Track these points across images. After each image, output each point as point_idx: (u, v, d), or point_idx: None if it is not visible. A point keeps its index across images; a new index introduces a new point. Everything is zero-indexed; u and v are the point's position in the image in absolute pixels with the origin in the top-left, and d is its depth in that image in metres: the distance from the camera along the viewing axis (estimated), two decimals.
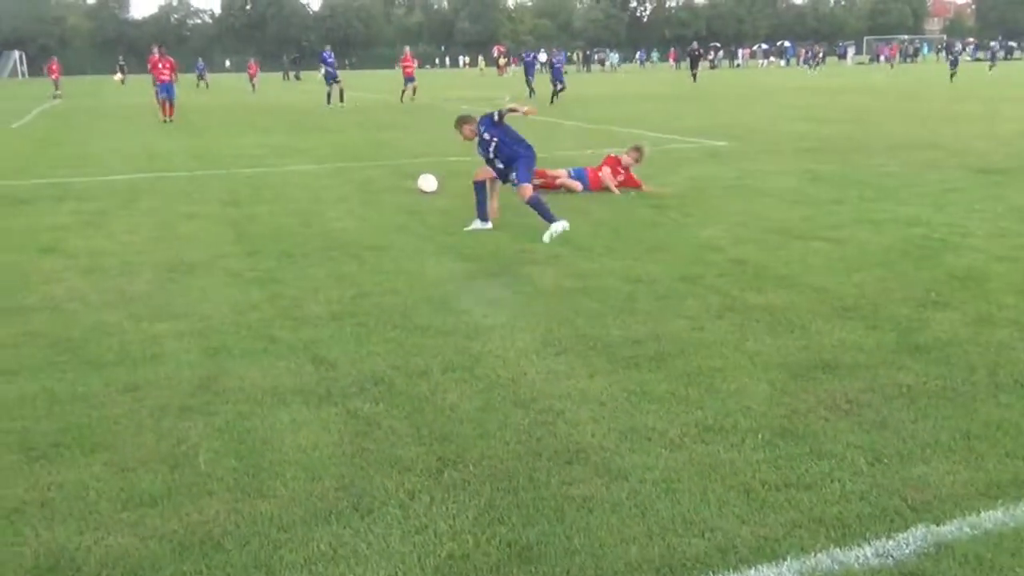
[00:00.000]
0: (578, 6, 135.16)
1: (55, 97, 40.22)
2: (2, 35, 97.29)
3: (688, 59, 51.76)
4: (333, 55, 31.95)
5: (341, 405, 4.43)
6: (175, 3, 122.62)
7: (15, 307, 6.26)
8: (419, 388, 4.65)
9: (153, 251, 8.07)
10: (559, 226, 7.87)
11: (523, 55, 40.93)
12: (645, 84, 47.89)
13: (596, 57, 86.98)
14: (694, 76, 46.47)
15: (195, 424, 4.22)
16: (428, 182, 11.16)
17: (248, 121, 24.97)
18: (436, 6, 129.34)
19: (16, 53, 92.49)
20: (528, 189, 8.23)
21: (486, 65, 78.19)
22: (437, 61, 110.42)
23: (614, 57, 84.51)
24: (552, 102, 22.79)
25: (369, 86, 49.40)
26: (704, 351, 5.10)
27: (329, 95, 30.56)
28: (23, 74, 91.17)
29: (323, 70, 31.23)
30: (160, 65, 24.71)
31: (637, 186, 10.92)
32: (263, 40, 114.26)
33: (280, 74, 75.23)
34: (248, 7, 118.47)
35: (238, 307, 6.21)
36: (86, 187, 12.14)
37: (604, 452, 3.85)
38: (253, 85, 48.44)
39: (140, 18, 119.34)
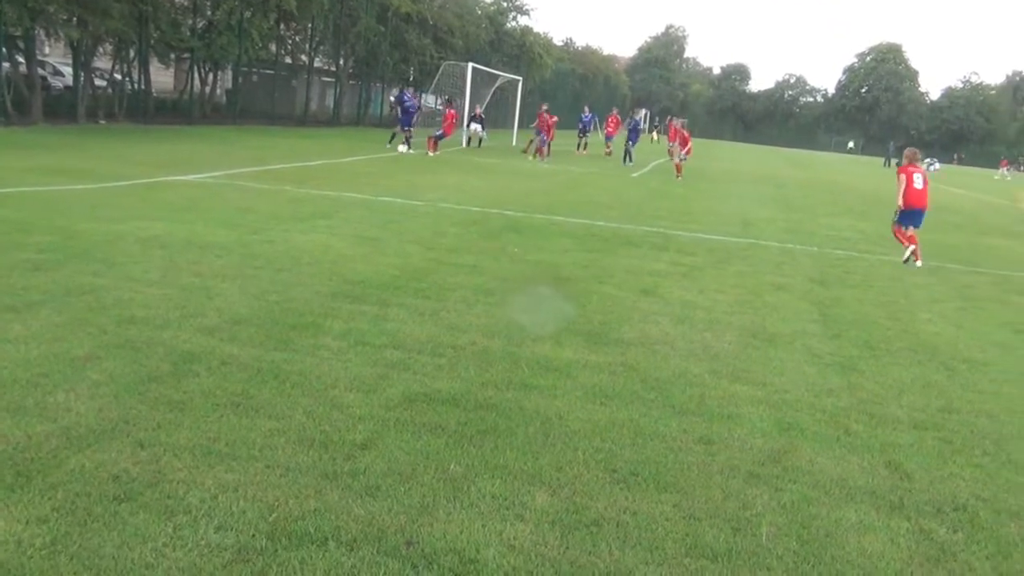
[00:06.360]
0: None
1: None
2: (636, 93, 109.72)
3: None
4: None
5: (914, 521, 4.13)
6: (792, 80, 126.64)
7: (616, 338, 6.95)
8: (1008, 529, 4.14)
9: (738, 313, 8.37)
10: None
11: None
12: None
13: None
14: None
15: (761, 494, 4.27)
16: None
17: (843, 203, 24.75)
18: None
19: (643, 111, 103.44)
20: None
21: None
22: None
23: None
24: None
25: (974, 185, 45.81)
26: None
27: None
28: (644, 130, 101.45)
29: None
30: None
31: None
32: (870, 123, 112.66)
33: (882, 160, 73.49)
34: (864, 90, 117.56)
35: (814, 388, 6.14)
36: (685, 241, 13.07)
37: None
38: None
39: (756, 91, 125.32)
